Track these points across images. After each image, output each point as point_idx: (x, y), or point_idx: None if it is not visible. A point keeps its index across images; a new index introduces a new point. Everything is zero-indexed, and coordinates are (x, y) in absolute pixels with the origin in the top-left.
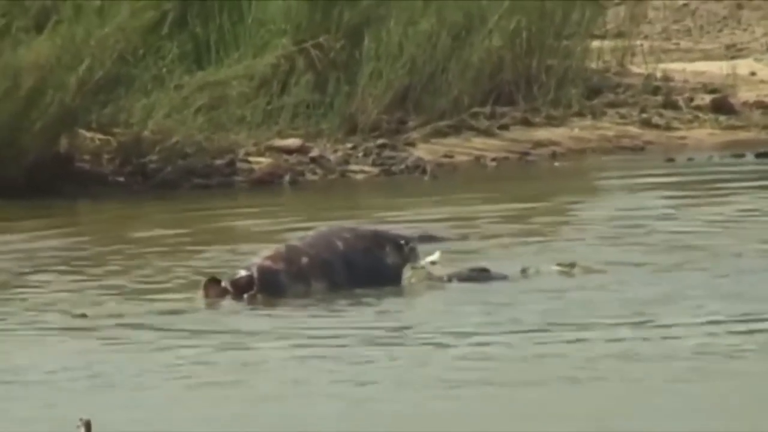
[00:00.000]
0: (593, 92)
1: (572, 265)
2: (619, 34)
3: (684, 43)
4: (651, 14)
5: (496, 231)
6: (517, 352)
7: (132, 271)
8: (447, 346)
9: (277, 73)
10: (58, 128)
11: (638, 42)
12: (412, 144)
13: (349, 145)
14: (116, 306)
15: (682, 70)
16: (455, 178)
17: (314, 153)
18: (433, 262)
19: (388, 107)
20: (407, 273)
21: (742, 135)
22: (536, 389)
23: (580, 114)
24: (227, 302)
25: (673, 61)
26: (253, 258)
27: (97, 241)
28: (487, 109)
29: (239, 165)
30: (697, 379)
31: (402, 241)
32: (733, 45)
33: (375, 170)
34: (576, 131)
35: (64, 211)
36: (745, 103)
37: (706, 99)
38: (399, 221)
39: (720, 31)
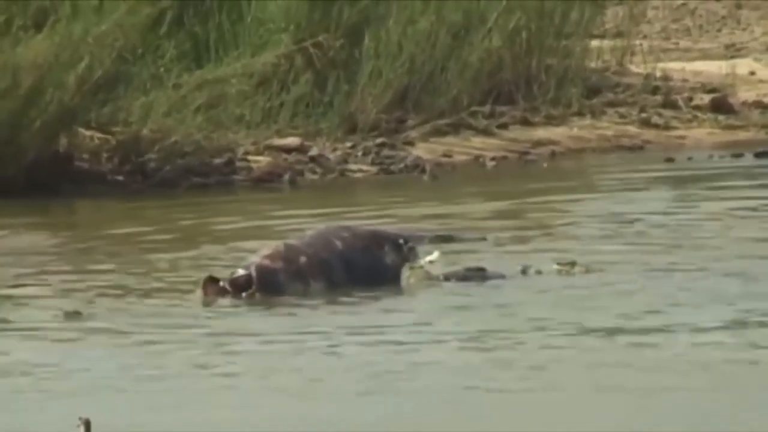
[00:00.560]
0: (592, 92)
1: (572, 264)
2: (619, 34)
3: (683, 43)
4: (650, 14)
5: (495, 230)
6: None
7: (129, 269)
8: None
9: (277, 72)
10: (57, 127)
11: (637, 41)
12: (411, 143)
13: (349, 144)
14: (112, 304)
15: (681, 69)
16: (454, 177)
17: (313, 152)
18: (431, 262)
19: (387, 106)
20: (406, 273)
21: (741, 135)
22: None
23: (580, 113)
24: (226, 301)
25: (672, 60)
26: (252, 257)
27: (94, 239)
28: (487, 109)
29: (238, 164)
30: (706, 386)
31: (401, 241)
32: (732, 45)
33: (374, 169)
34: (575, 130)
35: (63, 209)
36: (744, 103)
37: (705, 99)
38: (409, 221)
39: (719, 30)
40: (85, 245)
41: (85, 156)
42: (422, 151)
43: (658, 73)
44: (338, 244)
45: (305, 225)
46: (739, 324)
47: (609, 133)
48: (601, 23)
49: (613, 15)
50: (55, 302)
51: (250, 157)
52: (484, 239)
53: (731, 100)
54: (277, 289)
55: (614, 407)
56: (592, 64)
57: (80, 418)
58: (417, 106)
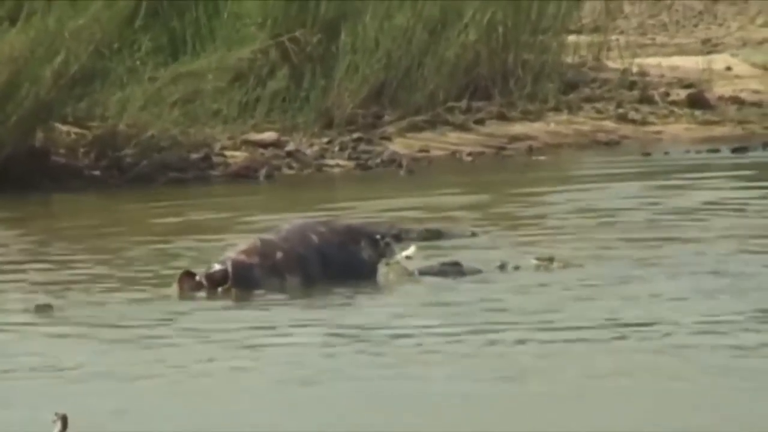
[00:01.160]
0: (569, 87)
1: (551, 259)
2: (595, 29)
3: (660, 38)
4: (627, 9)
5: (472, 225)
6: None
7: (103, 263)
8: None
9: (254, 67)
10: (34, 122)
11: (614, 37)
12: (387, 138)
13: (325, 140)
14: (84, 297)
15: (657, 64)
16: (431, 172)
17: (290, 147)
18: (408, 257)
19: (364, 101)
20: (384, 269)
21: (717, 130)
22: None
23: (557, 109)
24: (201, 295)
25: (649, 56)
26: (228, 252)
27: (69, 233)
28: (463, 104)
29: (215, 159)
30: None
31: (377, 236)
32: (709, 40)
33: (351, 164)
34: (552, 126)
35: (39, 204)
36: (720, 98)
37: (682, 94)
38: (387, 216)
39: (696, 26)
40: (59, 239)
41: (62, 151)
42: (399, 146)
43: (635, 69)
44: (315, 238)
45: (282, 220)
46: (719, 321)
47: (586, 128)
48: (577, 18)
49: (589, 10)
50: (27, 295)
51: (226, 152)
52: (475, 235)
53: (708, 96)
54: (253, 284)
55: (597, 405)
56: (569, 60)
57: (56, 413)
58: (394, 102)
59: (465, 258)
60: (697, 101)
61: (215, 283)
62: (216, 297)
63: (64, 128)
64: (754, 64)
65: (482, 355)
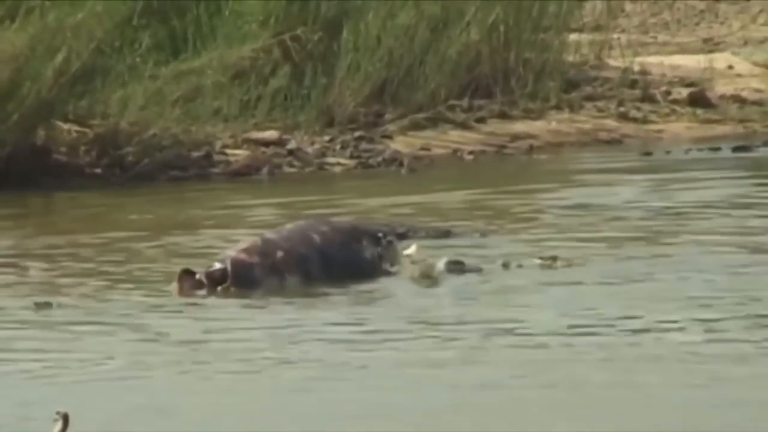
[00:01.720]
0: (571, 85)
1: (554, 258)
2: (597, 28)
3: (661, 37)
4: (628, 7)
5: (474, 223)
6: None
7: (104, 260)
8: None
9: (255, 65)
10: (35, 120)
11: (616, 35)
12: (389, 137)
13: (327, 138)
14: (84, 295)
15: (659, 63)
16: (432, 170)
17: (291, 145)
18: (409, 255)
19: (365, 100)
20: (410, 267)
21: (719, 129)
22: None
23: (558, 107)
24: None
25: (650, 54)
26: (229, 250)
27: (70, 232)
28: (465, 102)
29: (216, 157)
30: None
31: (379, 235)
32: (711, 39)
33: (352, 163)
34: (553, 124)
35: (40, 202)
36: (722, 97)
37: (683, 93)
38: (387, 214)
39: (697, 24)
40: (60, 237)
41: (63, 149)
42: (400, 144)
43: (637, 67)
44: (316, 238)
45: (283, 218)
46: (722, 319)
47: (587, 126)
48: (579, 17)
49: (591, 9)
50: (27, 293)
51: (228, 151)
52: (484, 236)
53: (709, 94)
54: (252, 284)
55: (598, 405)
56: (570, 58)
57: (58, 412)
58: (395, 100)
59: (468, 256)
60: (699, 100)
61: (215, 281)
62: (217, 294)
63: (66, 126)
64: (755, 63)
65: (485, 355)
